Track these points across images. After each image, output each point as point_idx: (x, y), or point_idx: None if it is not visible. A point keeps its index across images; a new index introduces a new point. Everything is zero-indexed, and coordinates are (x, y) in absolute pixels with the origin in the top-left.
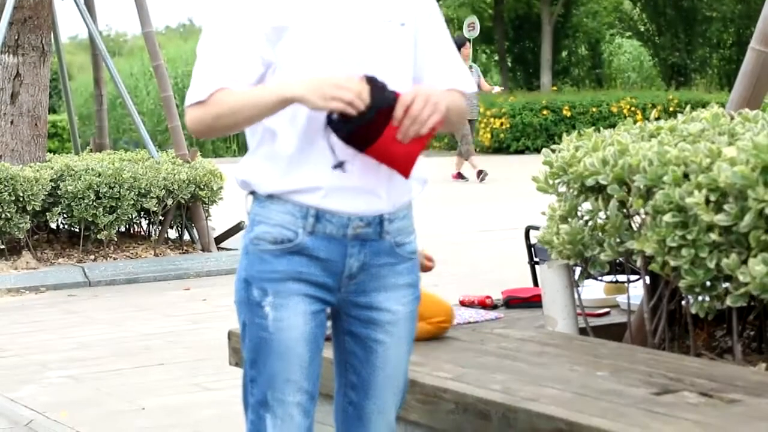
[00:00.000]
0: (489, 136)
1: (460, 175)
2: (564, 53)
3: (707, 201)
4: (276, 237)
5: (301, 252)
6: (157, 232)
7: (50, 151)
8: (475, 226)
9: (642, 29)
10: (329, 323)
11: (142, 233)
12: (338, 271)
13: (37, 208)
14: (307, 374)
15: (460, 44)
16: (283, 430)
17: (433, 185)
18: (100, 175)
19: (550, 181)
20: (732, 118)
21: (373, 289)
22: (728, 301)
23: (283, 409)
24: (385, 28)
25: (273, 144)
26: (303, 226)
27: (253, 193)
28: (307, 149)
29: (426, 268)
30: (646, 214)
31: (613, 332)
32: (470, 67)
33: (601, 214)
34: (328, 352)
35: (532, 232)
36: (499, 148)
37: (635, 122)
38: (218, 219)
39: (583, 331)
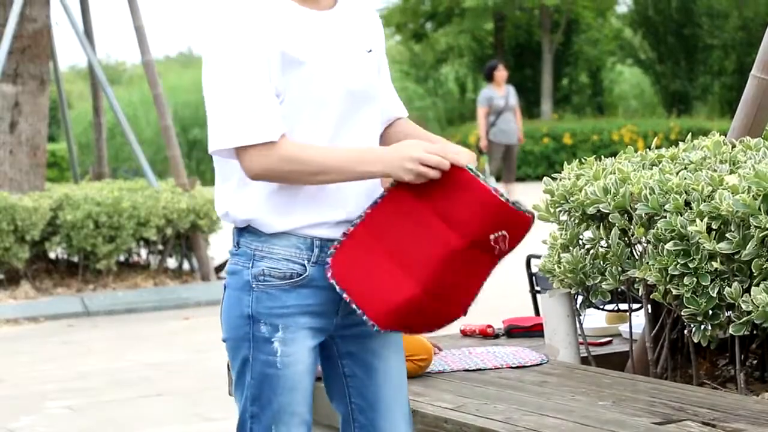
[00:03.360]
0: None
1: None
2: (565, 81)
3: (709, 229)
4: (285, 273)
5: (308, 284)
6: (157, 262)
7: (49, 180)
8: None
9: (643, 57)
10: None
11: (142, 263)
12: (339, 296)
13: (36, 238)
14: (308, 405)
15: (492, 67)
16: None
17: None
18: (99, 204)
19: (552, 210)
20: (733, 146)
21: None
22: (731, 330)
23: None
24: (368, 57)
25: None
26: (308, 257)
27: (247, 226)
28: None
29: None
30: (648, 242)
31: (616, 361)
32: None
33: (603, 243)
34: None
35: (533, 261)
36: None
37: (636, 150)
38: (218, 248)
39: (585, 361)
